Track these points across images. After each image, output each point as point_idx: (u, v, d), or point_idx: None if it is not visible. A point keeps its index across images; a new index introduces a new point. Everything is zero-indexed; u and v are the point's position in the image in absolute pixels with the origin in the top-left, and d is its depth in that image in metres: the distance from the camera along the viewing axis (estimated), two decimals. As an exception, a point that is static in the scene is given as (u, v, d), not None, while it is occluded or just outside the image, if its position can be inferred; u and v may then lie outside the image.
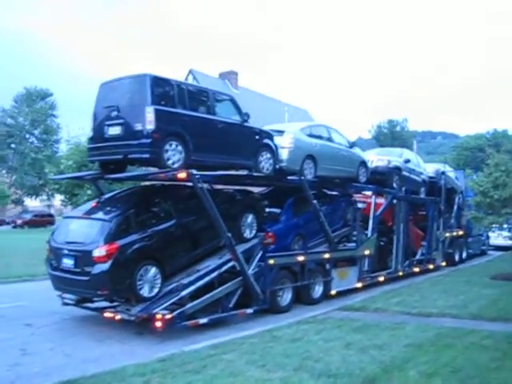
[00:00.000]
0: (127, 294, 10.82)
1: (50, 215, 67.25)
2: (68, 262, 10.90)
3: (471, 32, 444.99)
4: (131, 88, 11.27)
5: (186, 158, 11.22)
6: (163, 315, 10.33)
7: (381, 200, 18.72)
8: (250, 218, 13.24)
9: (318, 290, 14.80)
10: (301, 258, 13.99)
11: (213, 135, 12.02)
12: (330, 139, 16.14)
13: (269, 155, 13.47)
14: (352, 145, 17.04)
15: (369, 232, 17.44)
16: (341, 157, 16.21)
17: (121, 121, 11.11)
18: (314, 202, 14.50)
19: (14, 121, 73.87)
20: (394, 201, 19.18)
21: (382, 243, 19.13)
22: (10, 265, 21.55)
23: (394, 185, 19.17)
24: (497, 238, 29.98)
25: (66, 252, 10.99)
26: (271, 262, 12.97)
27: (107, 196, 12.71)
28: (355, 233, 16.92)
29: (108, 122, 11.36)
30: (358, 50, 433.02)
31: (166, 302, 10.79)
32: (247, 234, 13.15)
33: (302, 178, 14.10)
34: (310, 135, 15.20)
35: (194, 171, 10.91)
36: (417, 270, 20.62)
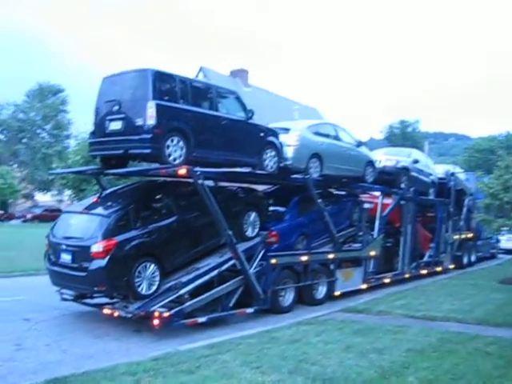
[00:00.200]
0: (125, 291, 10.66)
1: (60, 210, 67.43)
2: (66, 258, 10.76)
3: (487, 33, 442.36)
4: (133, 82, 11.12)
5: (187, 154, 11.06)
6: (161, 313, 10.17)
7: (388, 200, 18.45)
8: (252, 217, 13.04)
9: (322, 291, 14.57)
10: (304, 258, 13.77)
11: (216, 132, 11.84)
12: (336, 138, 15.91)
13: (273, 153, 13.28)
14: (359, 144, 16.78)
15: (375, 233, 17.19)
16: (347, 156, 15.97)
17: (122, 115, 10.97)
18: (319, 201, 14.27)
19: (26, 116, 74.25)
20: (402, 201, 18.90)
21: (388, 244, 18.86)
22: (17, 259, 21.65)
23: (402, 185, 18.89)
24: (507, 241, 29.61)
25: (64, 247, 10.86)
26: (273, 261, 12.77)
27: (108, 191, 12.58)
28: (361, 233, 16.68)
29: (109, 117, 11.24)
30: (373, 51, 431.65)
31: (164, 300, 10.64)
32: (249, 232, 12.95)
33: (307, 176, 13.87)
34: (317, 133, 14.98)
35: (195, 168, 10.74)
36: (424, 272, 20.33)
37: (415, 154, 21.06)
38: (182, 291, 10.88)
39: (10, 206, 70.63)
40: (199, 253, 11.97)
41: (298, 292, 13.70)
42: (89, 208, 11.35)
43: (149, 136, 10.47)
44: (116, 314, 10.75)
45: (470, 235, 25.25)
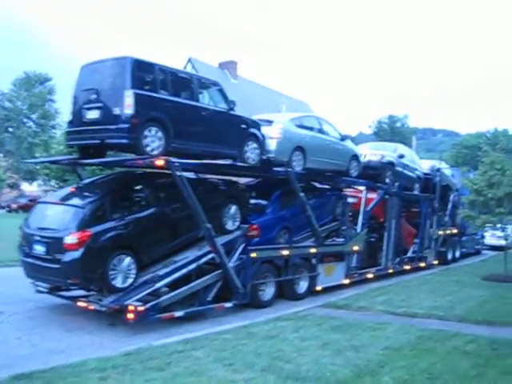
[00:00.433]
0: (99, 284, 10.43)
1: (45, 200, 66.85)
2: (39, 249, 10.50)
3: (477, 31, 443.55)
4: (111, 71, 10.86)
5: (166, 145, 10.82)
6: (135, 307, 9.92)
7: (373, 195, 18.29)
8: (233, 209, 12.82)
9: (303, 286, 14.39)
10: (285, 252, 13.57)
11: (196, 122, 11.61)
12: (321, 131, 15.71)
13: (255, 145, 13.05)
14: (344, 137, 16.57)
15: (358, 227, 17.03)
16: (331, 149, 15.77)
17: (99, 104, 10.73)
18: (301, 194, 14.07)
19: (13, 105, 73.44)
20: (387, 196, 18.75)
21: (372, 239, 18.77)
22: (-3, 249, 21.22)
23: (387, 180, 18.73)
24: (491, 237, 29.59)
25: (37, 238, 10.59)
26: (253, 255, 12.56)
27: (86, 182, 12.32)
28: (344, 228, 16.52)
29: (87, 106, 10.98)
30: (364, 47, 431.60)
31: (140, 294, 10.41)
32: (230, 225, 12.74)
33: (289, 169, 13.66)
34: (300, 126, 14.77)
35: (173, 159, 10.51)
36: (408, 267, 20.21)
37: (401, 148, 20.89)
38: (159, 284, 10.67)
39: (-5, 196, 70.02)
40: (178, 246, 11.75)
41: (278, 286, 13.51)
42: (64, 198, 11.10)
43: (126, 126, 10.23)
44: (91, 307, 10.53)
45: (455, 231, 25.18)
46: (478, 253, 29.65)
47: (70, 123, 11.64)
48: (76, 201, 10.73)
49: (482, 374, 7.42)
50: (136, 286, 10.53)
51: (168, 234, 11.53)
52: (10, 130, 73.65)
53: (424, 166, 23.07)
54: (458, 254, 25.68)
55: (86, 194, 11.06)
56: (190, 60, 42.79)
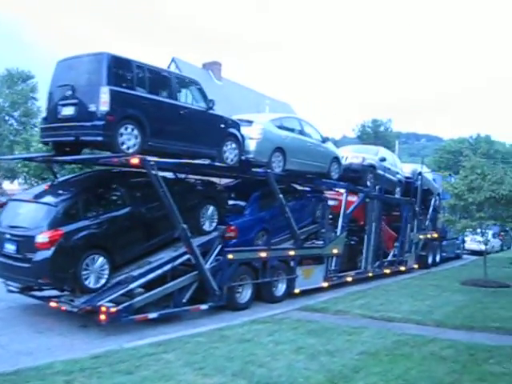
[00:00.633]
0: (71, 284, 10.20)
1: (25, 199, 66.14)
2: (10, 248, 10.25)
3: (461, 37, 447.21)
4: (88, 67, 10.66)
5: (142, 144, 10.64)
6: (108, 308, 9.70)
7: (353, 198, 18.17)
8: (210, 210, 12.64)
9: (281, 288, 14.22)
10: (263, 254, 13.40)
11: (173, 121, 11.43)
12: (301, 132, 15.59)
13: (234, 145, 12.89)
14: (325, 139, 16.44)
15: (338, 230, 16.88)
16: (312, 151, 15.66)
17: (75, 101, 10.54)
18: (280, 196, 13.91)
19: (-6, 102, 72.37)
20: (367, 199, 18.64)
21: (352, 242, 18.65)
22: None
23: (368, 183, 18.64)
24: (471, 242, 29.64)
25: (8, 237, 10.34)
26: (230, 256, 12.38)
27: (61, 179, 12.12)
28: (324, 230, 16.37)
29: (62, 102, 10.78)
30: (349, 52, 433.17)
31: (113, 294, 10.20)
32: (207, 226, 12.56)
33: (269, 170, 13.50)
34: (281, 127, 14.64)
35: (149, 157, 10.31)
36: (387, 271, 20.10)
37: (382, 151, 20.80)
38: (133, 285, 10.48)
39: (-25, 195, 69.12)
40: (153, 246, 11.57)
41: (256, 289, 13.34)
42: (37, 196, 10.85)
43: (101, 123, 10.05)
44: (63, 307, 10.30)
45: (436, 235, 25.17)
46: (458, 257, 29.71)
47: (45, 119, 11.44)
48: (48, 199, 10.50)
49: (457, 380, 7.29)
50: (109, 287, 10.34)
51: (143, 234, 11.34)
52: (-8, 127, 72.60)
53: (405, 169, 23.01)
54: (438, 258, 25.68)
55: (60, 192, 10.82)
56: (173, 60, 42.49)
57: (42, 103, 73.31)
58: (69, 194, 10.51)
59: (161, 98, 11.33)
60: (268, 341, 9.09)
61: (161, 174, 11.07)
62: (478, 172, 18.30)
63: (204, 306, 11.72)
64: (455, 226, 19.77)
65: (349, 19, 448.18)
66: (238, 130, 13.11)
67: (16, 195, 13.14)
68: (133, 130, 10.45)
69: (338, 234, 16.81)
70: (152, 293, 10.74)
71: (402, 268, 21.30)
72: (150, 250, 11.48)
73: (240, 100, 40.31)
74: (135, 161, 10.00)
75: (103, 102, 10.01)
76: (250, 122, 13.92)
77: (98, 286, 10.21)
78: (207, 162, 12.40)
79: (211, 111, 12.43)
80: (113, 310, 9.73)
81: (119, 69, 10.54)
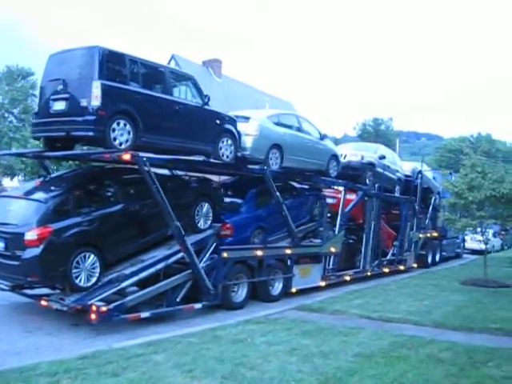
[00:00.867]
0: (61, 283, 9.98)
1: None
2: None
3: (462, 36, 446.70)
4: (79, 61, 10.41)
5: (134, 139, 10.41)
6: (98, 307, 9.49)
7: (352, 196, 17.95)
8: (205, 208, 12.41)
9: (278, 287, 14.01)
10: (259, 253, 13.17)
11: (167, 116, 11.20)
12: (299, 129, 15.37)
13: (230, 142, 12.66)
14: (323, 137, 16.22)
15: (336, 229, 16.65)
16: (310, 148, 15.44)
17: (66, 95, 10.30)
18: (277, 194, 13.67)
19: (-6, 99, 72.18)
20: (366, 198, 18.42)
21: (350, 241, 18.45)
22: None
23: (367, 181, 18.42)
24: (471, 241, 29.46)
25: None
26: (225, 255, 12.16)
27: (54, 176, 11.88)
28: (321, 229, 16.14)
29: (53, 97, 10.55)
30: (351, 51, 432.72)
31: (104, 293, 9.97)
32: (202, 224, 12.33)
33: (265, 167, 13.27)
34: (278, 124, 14.42)
35: (142, 153, 10.09)
36: (386, 270, 19.90)
37: (382, 149, 20.58)
38: (125, 284, 10.27)
39: (-25, 191, 68.95)
40: (146, 244, 11.34)
41: (252, 288, 13.13)
42: (27, 193, 10.62)
43: (93, 118, 9.82)
44: (54, 306, 10.08)
45: (436, 234, 24.95)
46: (458, 256, 29.52)
47: (36, 115, 11.24)
48: (38, 195, 10.27)
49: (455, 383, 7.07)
50: (100, 285, 10.11)
51: (136, 231, 11.12)
52: (-9, 124, 72.41)
53: (405, 168, 22.83)
54: (438, 257, 25.50)
55: (51, 188, 10.60)
56: (173, 57, 42.26)
57: (41, 100, 73.22)
58: (59, 191, 10.29)
59: (155, 93, 11.10)
60: (261, 342, 8.86)
61: (156, 170, 10.90)
62: (479, 170, 18.08)
63: (198, 305, 11.51)
64: (455, 225, 19.54)
65: (351, 18, 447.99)
66: (235, 127, 12.89)
67: (6, 192, 12.92)
68: (125, 125, 10.22)
69: (336, 232, 16.58)
70: (144, 291, 10.54)
71: (402, 267, 21.10)
72: (144, 247, 11.25)
73: (240, 97, 40.09)
74: (127, 157, 9.77)
75: (95, 97, 9.79)
76: (246, 119, 13.69)
77: (89, 284, 9.97)
78: (202, 158, 12.19)
79: (207, 107, 12.20)
80: (103, 309, 9.53)
81: (111, 63, 10.29)
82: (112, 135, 10.01)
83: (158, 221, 11.10)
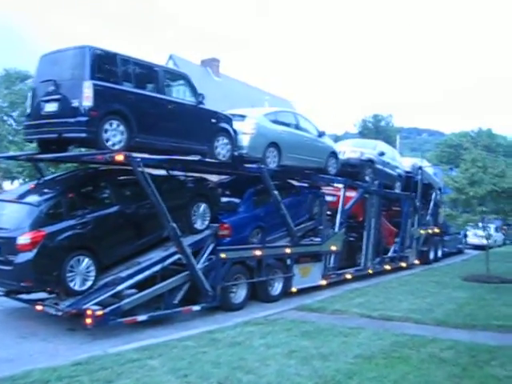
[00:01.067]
0: (55, 287, 9.82)
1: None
2: None
3: (462, 33, 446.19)
4: (70, 61, 10.24)
5: (128, 140, 10.25)
6: (93, 311, 9.31)
7: (352, 193, 17.76)
8: (202, 208, 12.23)
9: (278, 287, 13.83)
10: (258, 253, 12.98)
11: (161, 116, 11.03)
12: (297, 127, 15.18)
13: (226, 140, 12.49)
14: (321, 134, 16.02)
15: (336, 227, 16.47)
16: (308, 146, 15.26)
17: (58, 96, 10.14)
18: (275, 192, 13.49)
19: (-8, 102, 72.05)
20: (366, 195, 18.23)
21: (351, 239, 18.24)
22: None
23: (367, 178, 18.24)
24: (473, 236, 29.22)
25: None
26: (223, 255, 11.98)
27: (48, 178, 11.73)
28: (321, 227, 15.95)
29: (45, 98, 10.39)
30: (350, 49, 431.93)
31: (100, 297, 9.82)
32: (199, 224, 12.16)
33: (262, 166, 13.09)
34: (275, 121, 14.22)
35: (135, 154, 9.92)
36: (388, 267, 19.70)
37: (381, 146, 20.39)
38: (121, 287, 10.09)
39: (-25, 195, 68.75)
40: (143, 246, 11.17)
41: (251, 288, 12.96)
42: (20, 196, 10.45)
43: (84, 119, 9.66)
44: (49, 311, 9.91)
45: (437, 230, 24.74)
46: (460, 252, 29.31)
47: (28, 116, 11.07)
48: (31, 198, 10.09)
49: (457, 385, 6.88)
50: (96, 289, 9.94)
51: (132, 233, 10.96)
52: (-10, 128, 72.28)
53: (405, 164, 22.62)
54: (440, 253, 25.28)
55: (44, 191, 10.44)
56: (171, 57, 42.06)
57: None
58: (52, 194, 10.11)
59: (148, 93, 10.94)
60: (259, 344, 8.66)
61: (151, 171, 10.74)
62: (479, 165, 17.91)
63: (196, 307, 11.34)
64: (456, 221, 19.37)
65: (352, 16, 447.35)
66: (231, 125, 12.71)
67: (-1, 195, 12.75)
68: (118, 125, 10.06)
69: (337, 230, 16.42)
70: (141, 294, 10.37)
71: (403, 264, 20.90)
72: (140, 249, 11.09)
73: (239, 96, 39.87)
74: (120, 158, 9.59)
75: (86, 97, 9.62)
76: (242, 117, 13.52)
77: (84, 288, 9.81)
78: (198, 158, 12.01)
79: (201, 106, 12.02)
80: (99, 313, 9.35)
81: (103, 62, 10.15)
82: (105, 136, 9.85)
83: (154, 222, 10.93)
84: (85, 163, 12.21)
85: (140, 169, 9.93)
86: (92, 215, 10.21)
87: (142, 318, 10.19)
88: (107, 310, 9.52)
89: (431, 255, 24.12)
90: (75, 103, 9.77)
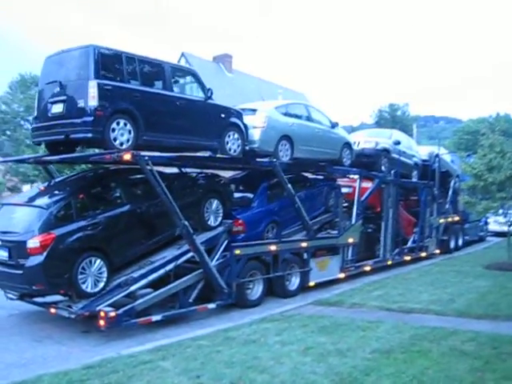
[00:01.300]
0: (68, 289, 9.71)
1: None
2: (2, 254, 9.75)
3: (481, 19, 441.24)
4: (75, 61, 10.09)
5: (136, 138, 10.11)
6: (106, 313, 9.21)
7: (368, 184, 17.47)
8: (214, 204, 12.06)
9: (295, 282, 13.62)
10: (273, 248, 12.79)
11: (169, 113, 10.87)
12: (309, 119, 14.95)
13: (236, 135, 12.31)
14: (334, 125, 15.77)
15: (353, 218, 16.21)
16: (321, 138, 15.01)
17: (63, 97, 10.02)
18: (289, 186, 13.27)
19: (9, 107, 72.70)
20: (383, 185, 17.93)
21: (369, 230, 17.94)
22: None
23: (383, 168, 17.95)
24: (494, 223, 28.68)
25: (0, 243, 9.86)
26: (237, 252, 11.80)
27: (58, 180, 11.63)
28: (338, 219, 15.72)
29: (51, 100, 10.26)
30: (365, 37, 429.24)
31: (113, 298, 9.74)
32: (212, 221, 11.99)
33: (274, 160, 12.88)
34: (286, 114, 14.02)
35: (143, 152, 9.77)
36: (408, 258, 19.37)
37: (396, 135, 20.05)
38: (133, 287, 9.98)
39: (-4, 199, 69.38)
40: (155, 245, 11.04)
41: (268, 284, 12.77)
42: (29, 199, 10.35)
43: (90, 119, 9.52)
44: (62, 314, 9.83)
45: (457, 218, 24.31)
46: (482, 240, 28.74)
47: (36, 119, 10.96)
48: (40, 201, 9.98)
49: (480, 379, 6.61)
50: (109, 290, 9.82)
51: (144, 233, 10.82)
52: (8, 132, 72.94)
53: (422, 152, 22.25)
54: (460, 241, 24.76)
55: (54, 193, 10.31)
56: (183, 54, 41.94)
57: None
58: (62, 195, 10.00)
59: (154, 90, 10.79)
60: (274, 341, 8.48)
61: (163, 169, 10.60)
62: (497, 150, 17.48)
63: (212, 305, 11.20)
64: (476, 209, 18.97)
65: (365, 6, 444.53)
66: (241, 120, 12.52)
67: (9, 199, 12.70)
68: (125, 124, 9.93)
69: (353, 222, 16.15)
70: (154, 294, 10.26)
71: (423, 254, 20.55)
72: (152, 249, 10.96)
73: (252, 91, 39.68)
74: (128, 157, 9.43)
75: (92, 97, 9.50)
76: (253, 111, 13.33)
77: (97, 289, 9.69)
78: (208, 154, 11.85)
79: (210, 101, 11.84)
80: (112, 314, 9.25)
81: (108, 61, 10.01)
82: (112, 135, 9.72)
83: (166, 221, 10.77)
84: (93, 163, 12.09)
85: (148, 167, 9.78)
86: (103, 216, 10.09)
87: (156, 317, 10.07)
88: (120, 311, 9.42)
89: (452, 244, 23.65)
90: (81, 103, 9.64)
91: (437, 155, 22.38)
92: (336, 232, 15.57)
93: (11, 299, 10.95)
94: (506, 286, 13.67)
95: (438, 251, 21.87)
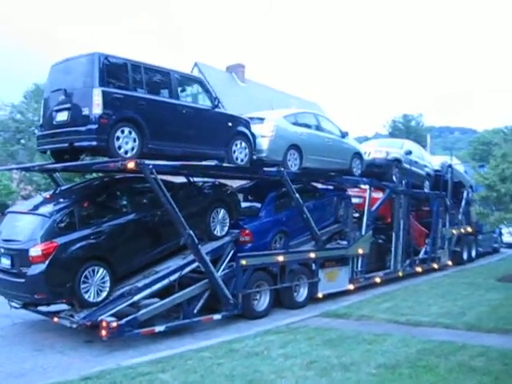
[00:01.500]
0: (70, 299, 9.60)
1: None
2: (5, 262, 9.72)
3: (498, 28, 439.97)
4: (79, 69, 10.05)
5: (141, 147, 10.02)
6: (108, 323, 9.08)
7: (379, 194, 17.29)
8: (221, 214, 11.93)
9: (303, 293, 13.42)
10: (280, 258, 12.61)
11: (175, 121, 10.76)
12: (318, 128, 14.81)
13: (244, 144, 12.19)
14: (344, 134, 15.61)
15: (363, 229, 16.01)
16: (331, 147, 14.87)
17: (68, 105, 9.98)
18: (297, 196, 13.10)
19: (23, 116, 73.17)
20: (393, 195, 17.71)
21: (380, 241, 17.75)
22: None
23: (394, 178, 17.74)
24: (508, 234, 28.30)
25: (2, 251, 9.81)
26: (244, 262, 11.63)
27: (63, 188, 11.57)
28: (347, 230, 15.53)
29: (56, 108, 10.21)
30: (380, 47, 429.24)
31: (116, 308, 9.62)
32: (218, 231, 11.86)
33: (281, 169, 12.72)
34: (295, 123, 13.90)
35: (147, 161, 9.66)
36: (419, 269, 19.09)
37: (408, 144, 19.87)
38: (137, 297, 9.86)
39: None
40: (160, 254, 10.91)
41: (275, 295, 12.60)
42: (33, 208, 10.28)
43: (95, 127, 9.45)
44: (65, 323, 9.71)
45: (470, 229, 23.99)
46: (496, 251, 28.38)
47: (41, 127, 10.93)
48: (43, 209, 9.91)
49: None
50: (112, 300, 9.70)
51: (148, 242, 10.71)
52: (22, 141, 73.36)
53: (435, 162, 22.02)
54: (473, 253, 24.43)
55: (58, 201, 10.23)
56: (196, 64, 42.00)
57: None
58: (65, 204, 9.92)
59: (160, 98, 10.72)
60: (278, 354, 8.29)
61: (169, 178, 10.48)
62: (510, 160, 17.23)
63: (217, 316, 11.04)
64: (488, 219, 18.69)
65: (377, 17, 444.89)
66: (249, 129, 12.40)
67: (13, 207, 12.66)
68: (130, 132, 9.85)
69: (363, 232, 15.94)
70: (158, 305, 10.13)
71: (435, 265, 20.25)
72: (157, 258, 10.84)
73: (265, 100, 39.40)
74: (131, 165, 9.31)
75: (96, 105, 9.44)
76: (261, 120, 13.22)
77: (100, 299, 9.58)
78: (214, 163, 11.73)
79: (217, 109, 11.74)
80: (114, 324, 9.12)
81: (113, 69, 9.95)
82: (116, 143, 9.64)
83: (171, 230, 10.63)
84: (97, 172, 12.01)
85: (153, 176, 9.66)
86: (107, 224, 10.01)
87: (159, 328, 9.93)
88: (122, 321, 9.29)
89: (464, 255, 23.32)
90: (85, 111, 9.58)
91: (449, 165, 22.13)
92: (345, 242, 15.38)
93: (15, 308, 10.85)
94: (518, 299, 13.38)
95: (450, 263, 21.56)
